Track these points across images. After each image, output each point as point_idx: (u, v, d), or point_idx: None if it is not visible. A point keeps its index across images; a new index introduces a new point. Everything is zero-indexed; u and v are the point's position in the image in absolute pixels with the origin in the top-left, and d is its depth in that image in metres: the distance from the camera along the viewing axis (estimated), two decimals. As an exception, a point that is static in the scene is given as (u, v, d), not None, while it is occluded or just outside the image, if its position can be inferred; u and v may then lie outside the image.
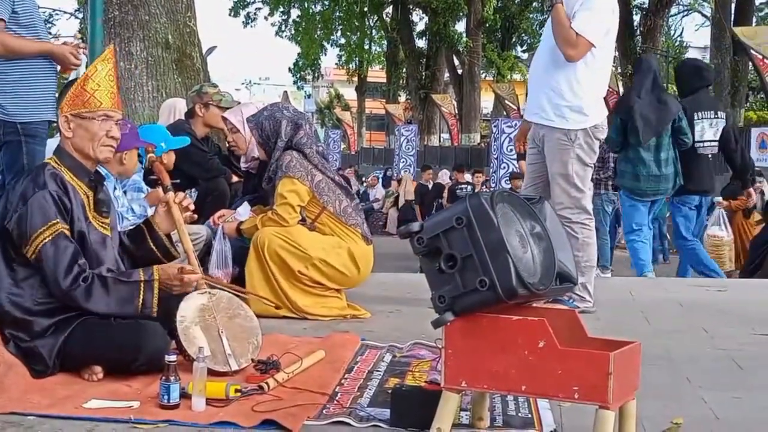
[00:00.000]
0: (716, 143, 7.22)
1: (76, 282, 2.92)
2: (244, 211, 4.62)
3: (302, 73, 37.90)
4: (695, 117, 7.02)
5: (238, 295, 3.41)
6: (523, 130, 4.94)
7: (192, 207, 3.40)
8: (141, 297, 2.99)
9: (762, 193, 12.12)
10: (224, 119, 4.91)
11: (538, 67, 4.70)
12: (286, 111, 4.50)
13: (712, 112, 7.18)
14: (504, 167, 18.12)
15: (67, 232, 2.95)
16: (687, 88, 7.29)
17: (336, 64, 39.64)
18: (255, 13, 34.06)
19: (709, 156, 7.19)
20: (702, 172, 7.11)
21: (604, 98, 4.72)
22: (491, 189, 15.33)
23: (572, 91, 4.47)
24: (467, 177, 17.29)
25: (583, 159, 4.51)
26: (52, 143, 4.25)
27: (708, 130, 7.12)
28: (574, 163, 4.49)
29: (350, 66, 38.49)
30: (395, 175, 22.87)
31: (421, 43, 35.13)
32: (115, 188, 4.32)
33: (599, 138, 4.58)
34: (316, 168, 4.37)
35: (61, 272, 2.90)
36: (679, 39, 43.84)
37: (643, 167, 6.83)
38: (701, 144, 7.08)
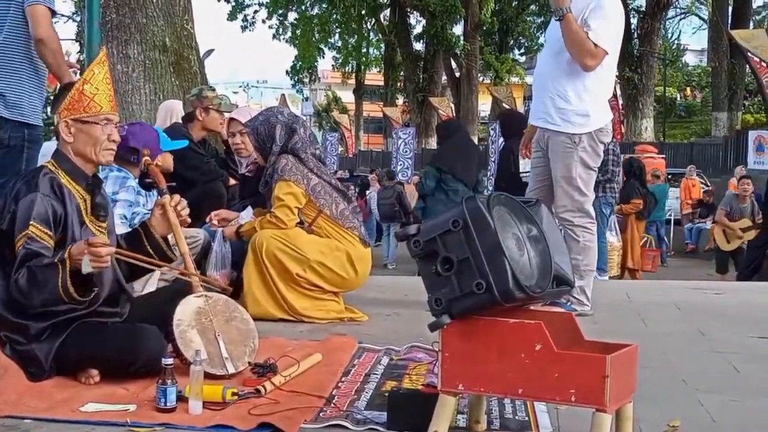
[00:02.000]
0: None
1: (17, 283, 2.84)
2: (247, 215, 4.59)
3: (300, 76, 37.93)
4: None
5: (206, 286, 3.30)
6: (528, 135, 4.93)
7: (187, 211, 3.38)
8: (60, 276, 2.81)
9: (753, 195, 12.14)
10: (233, 120, 4.79)
11: (543, 72, 4.67)
12: (280, 116, 4.48)
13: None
14: (502, 170, 18.06)
15: (40, 234, 2.88)
16: (511, 132, 8.32)
17: (333, 66, 39.68)
18: (253, 16, 34.08)
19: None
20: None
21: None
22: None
23: (578, 97, 4.46)
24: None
25: (587, 162, 4.50)
26: (49, 146, 4.24)
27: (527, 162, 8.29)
28: (578, 167, 4.49)
29: (346, 68, 38.52)
30: (396, 177, 22.76)
31: (418, 46, 35.15)
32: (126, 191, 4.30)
33: (603, 141, 4.56)
34: (312, 172, 4.36)
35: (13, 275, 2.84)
36: (676, 42, 43.95)
37: None
38: (524, 174, 7.95)
